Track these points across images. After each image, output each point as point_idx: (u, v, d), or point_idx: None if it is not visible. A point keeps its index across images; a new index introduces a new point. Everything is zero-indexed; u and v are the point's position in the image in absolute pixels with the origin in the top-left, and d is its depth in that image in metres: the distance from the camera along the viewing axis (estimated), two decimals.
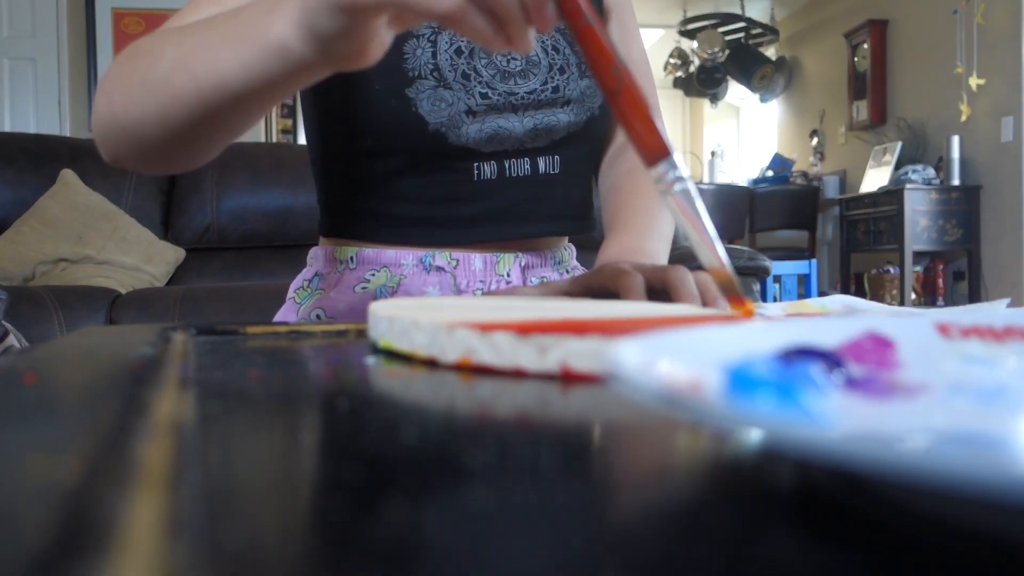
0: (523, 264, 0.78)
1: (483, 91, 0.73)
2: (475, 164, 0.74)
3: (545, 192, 0.78)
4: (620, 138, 0.84)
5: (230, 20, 0.48)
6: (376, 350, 0.41)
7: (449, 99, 0.71)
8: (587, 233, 0.84)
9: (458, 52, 0.72)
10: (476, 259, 0.76)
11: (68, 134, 4.07)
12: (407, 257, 0.75)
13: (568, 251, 0.86)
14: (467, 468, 0.19)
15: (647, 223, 0.74)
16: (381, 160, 0.75)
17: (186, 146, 0.55)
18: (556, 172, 0.78)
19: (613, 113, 0.40)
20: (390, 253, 0.76)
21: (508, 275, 0.77)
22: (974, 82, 4.25)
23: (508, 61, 0.74)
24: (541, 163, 0.77)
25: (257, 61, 0.46)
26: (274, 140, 4.58)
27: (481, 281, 0.76)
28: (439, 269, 0.75)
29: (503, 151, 0.75)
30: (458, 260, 0.76)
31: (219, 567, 0.13)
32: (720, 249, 0.40)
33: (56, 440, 0.20)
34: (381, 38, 0.44)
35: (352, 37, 0.42)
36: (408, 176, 0.74)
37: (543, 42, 0.76)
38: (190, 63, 0.49)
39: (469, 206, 0.75)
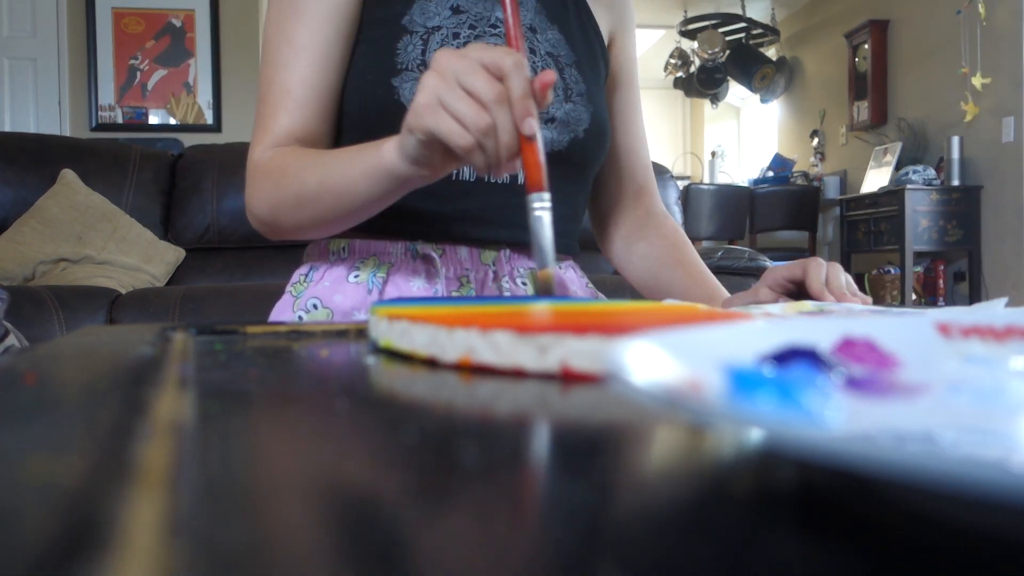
0: (507, 256, 0.80)
1: None
2: None
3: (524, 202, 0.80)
4: (631, 220, 0.97)
5: (356, 155, 0.69)
6: (376, 350, 0.41)
7: None
8: (569, 252, 0.88)
9: None
10: (462, 250, 0.79)
11: (68, 134, 4.07)
12: (396, 246, 0.78)
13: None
14: (467, 468, 0.19)
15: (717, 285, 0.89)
16: None
17: (320, 230, 0.76)
18: None
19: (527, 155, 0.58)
20: (379, 243, 0.79)
21: (493, 264, 0.80)
22: (978, 81, 4.24)
23: None
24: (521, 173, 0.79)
25: (376, 182, 0.67)
26: None
27: (467, 269, 0.78)
28: (426, 258, 0.78)
29: None
30: (444, 249, 0.78)
31: (219, 567, 0.13)
32: (551, 259, 0.57)
33: (56, 440, 0.20)
34: (442, 163, 0.62)
35: (425, 157, 0.61)
36: None
37: (533, 63, 0.81)
38: (332, 186, 0.70)
39: (449, 204, 0.78)
